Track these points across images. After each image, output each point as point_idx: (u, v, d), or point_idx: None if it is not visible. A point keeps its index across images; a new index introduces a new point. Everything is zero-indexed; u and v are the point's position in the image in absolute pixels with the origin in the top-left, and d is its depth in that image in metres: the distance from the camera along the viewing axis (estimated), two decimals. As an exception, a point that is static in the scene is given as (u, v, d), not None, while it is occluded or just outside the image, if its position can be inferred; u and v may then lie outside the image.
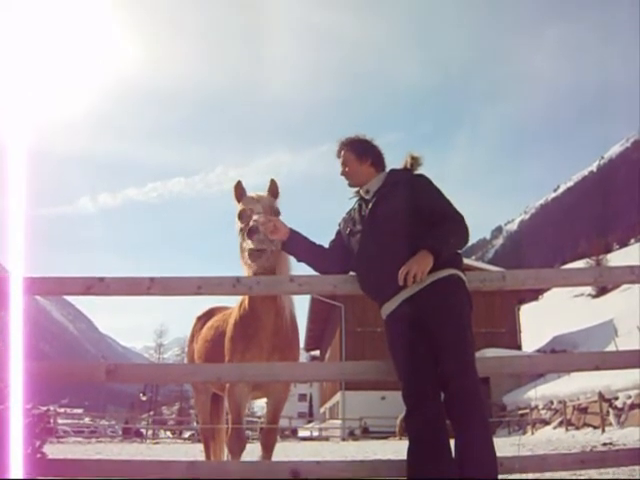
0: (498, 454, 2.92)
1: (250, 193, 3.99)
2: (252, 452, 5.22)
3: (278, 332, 4.03)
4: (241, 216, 3.80)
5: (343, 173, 3.45)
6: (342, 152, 3.46)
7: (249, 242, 3.57)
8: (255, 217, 3.56)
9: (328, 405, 44.64)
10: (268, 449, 4.28)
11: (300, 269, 3.64)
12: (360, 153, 3.43)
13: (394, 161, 3.49)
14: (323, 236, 3.59)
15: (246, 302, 4.09)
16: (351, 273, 3.37)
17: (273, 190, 4.03)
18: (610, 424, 17.87)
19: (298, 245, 3.47)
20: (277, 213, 3.87)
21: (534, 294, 36.90)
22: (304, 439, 35.27)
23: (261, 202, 3.84)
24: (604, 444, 12.99)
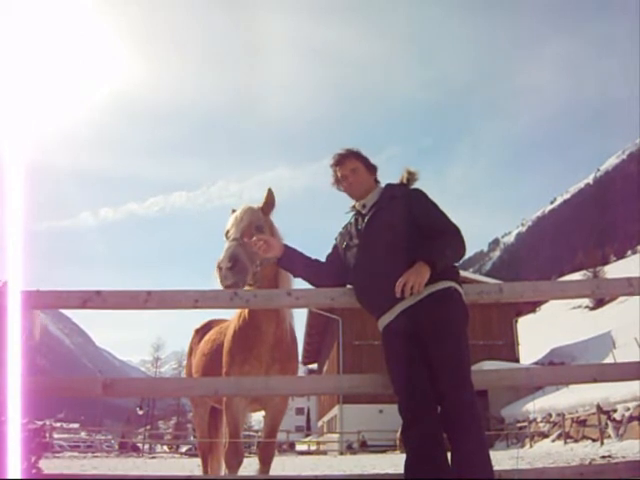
0: (496, 467, 2.91)
1: (239, 208, 3.93)
2: (249, 466, 5.20)
3: (278, 344, 4.01)
4: (226, 236, 3.76)
5: (350, 182, 3.41)
6: (352, 161, 3.42)
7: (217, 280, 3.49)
8: (221, 256, 3.47)
9: (326, 419, 44.44)
10: (266, 463, 4.25)
11: (298, 282, 3.64)
12: (369, 164, 3.45)
13: (394, 175, 3.50)
14: (324, 250, 3.58)
15: (246, 312, 4.05)
16: (348, 286, 3.37)
17: (268, 202, 3.98)
18: (609, 437, 17.81)
19: (293, 261, 3.46)
20: (260, 230, 3.74)
21: (532, 306, 36.94)
22: (302, 453, 35.11)
23: (243, 222, 3.75)
24: (603, 457, 12.95)
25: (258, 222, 3.82)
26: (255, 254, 3.52)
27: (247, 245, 3.53)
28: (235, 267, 3.41)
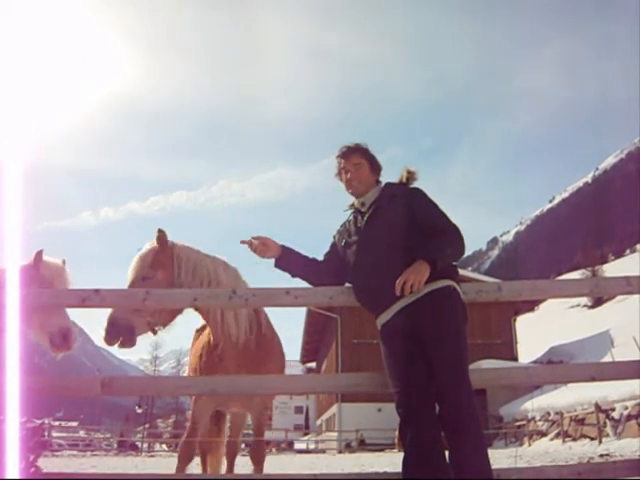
0: (495, 466, 2.92)
1: (142, 250, 4.00)
2: (247, 465, 5.20)
3: (243, 352, 4.09)
4: None
5: (351, 176, 3.37)
6: (357, 156, 3.39)
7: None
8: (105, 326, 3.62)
9: (324, 417, 44.47)
10: (258, 462, 4.36)
11: (296, 281, 3.62)
12: (374, 163, 3.42)
13: (394, 176, 3.48)
14: (324, 250, 3.57)
15: (207, 333, 4.30)
16: (347, 284, 3.36)
17: (160, 241, 3.99)
18: (607, 435, 17.84)
19: (290, 261, 3.45)
20: (146, 279, 3.81)
21: (530, 305, 36.93)
22: (300, 452, 35.08)
23: (130, 277, 3.86)
24: (601, 455, 12.97)
25: (143, 273, 3.86)
26: (143, 309, 3.63)
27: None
28: (112, 331, 3.58)
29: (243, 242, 3.44)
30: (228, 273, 4.07)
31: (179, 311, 3.89)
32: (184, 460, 4.30)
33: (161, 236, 3.96)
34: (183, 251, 4.01)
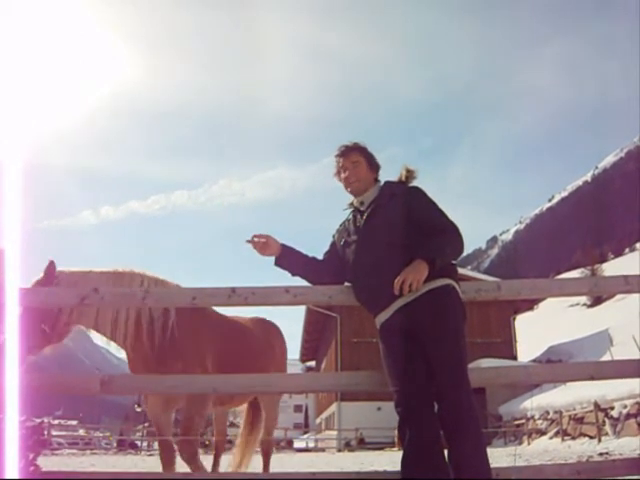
0: (494, 465, 2.92)
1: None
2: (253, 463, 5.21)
3: (144, 353, 4.23)
4: None
5: (350, 174, 3.37)
6: (355, 154, 3.39)
7: None
8: None
9: (324, 416, 44.48)
10: (190, 462, 4.43)
11: (296, 280, 3.62)
12: (372, 161, 3.42)
13: (393, 175, 3.49)
14: (325, 248, 3.58)
15: None
16: (346, 284, 3.37)
17: (47, 273, 4.01)
18: (606, 434, 17.85)
19: (290, 260, 3.45)
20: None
21: (529, 304, 36.91)
22: (300, 450, 35.12)
23: None
24: (600, 454, 12.96)
25: None
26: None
27: None
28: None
29: (248, 242, 3.44)
30: (121, 283, 4.13)
31: (54, 339, 4.02)
32: (167, 460, 4.39)
33: (49, 267, 3.99)
34: (70, 277, 4.05)
